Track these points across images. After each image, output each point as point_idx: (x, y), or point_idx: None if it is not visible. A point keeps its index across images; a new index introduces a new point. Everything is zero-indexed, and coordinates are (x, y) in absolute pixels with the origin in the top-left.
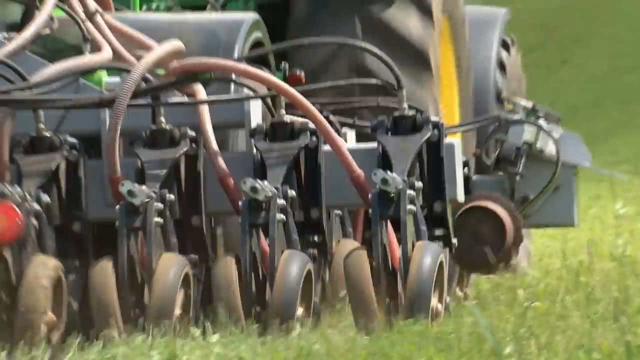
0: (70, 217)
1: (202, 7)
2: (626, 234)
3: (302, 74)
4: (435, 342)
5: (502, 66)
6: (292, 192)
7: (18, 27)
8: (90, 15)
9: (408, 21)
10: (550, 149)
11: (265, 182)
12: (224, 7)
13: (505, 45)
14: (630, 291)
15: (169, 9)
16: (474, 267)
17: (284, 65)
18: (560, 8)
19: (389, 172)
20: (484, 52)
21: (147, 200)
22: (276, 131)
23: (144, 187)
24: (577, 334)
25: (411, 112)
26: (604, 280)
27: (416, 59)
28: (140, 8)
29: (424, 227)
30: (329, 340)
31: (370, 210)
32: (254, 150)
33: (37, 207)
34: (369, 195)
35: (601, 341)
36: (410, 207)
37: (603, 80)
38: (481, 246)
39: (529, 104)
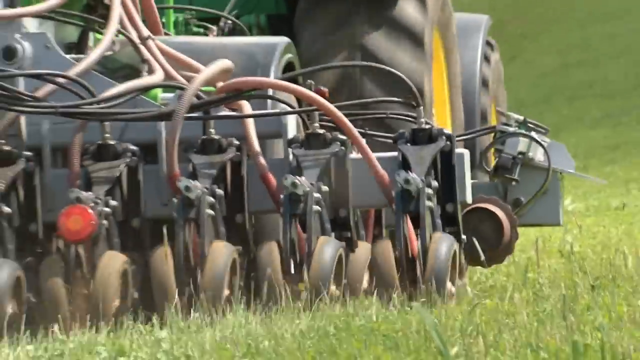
0: (131, 214)
1: (216, 19)
2: (575, 230)
3: (327, 90)
4: (383, 341)
5: (484, 80)
6: (325, 187)
7: (75, 46)
8: (143, 40)
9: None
10: (539, 157)
11: (303, 178)
12: (237, 19)
13: (489, 47)
14: (578, 289)
15: (187, 24)
16: (475, 260)
17: (310, 82)
18: (511, 3)
19: (410, 173)
20: (470, 55)
21: (201, 194)
22: (311, 141)
23: (195, 182)
24: (524, 332)
25: (427, 126)
26: (553, 277)
27: (413, 42)
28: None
29: (439, 221)
30: (277, 338)
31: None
32: (291, 156)
33: (106, 209)
34: (393, 194)
35: (548, 340)
36: (428, 203)
37: (552, 76)
38: (482, 242)
39: (521, 118)
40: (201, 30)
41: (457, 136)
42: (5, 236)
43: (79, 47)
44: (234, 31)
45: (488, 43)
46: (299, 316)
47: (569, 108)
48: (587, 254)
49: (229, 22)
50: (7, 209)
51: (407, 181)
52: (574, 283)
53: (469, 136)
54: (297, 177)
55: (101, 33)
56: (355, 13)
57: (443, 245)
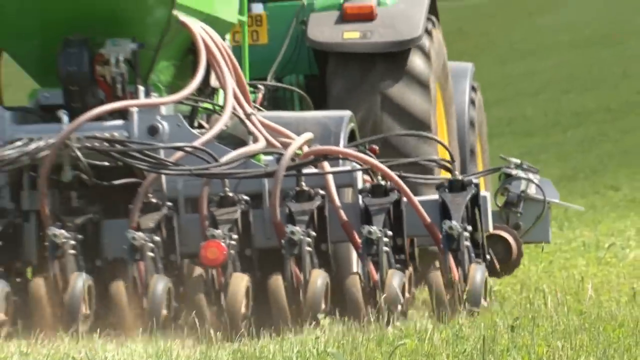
0: (245, 246)
1: (263, 79)
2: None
3: (377, 148)
4: None
5: (471, 121)
6: (389, 232)
7: (188, 118)
8: (248, 116)
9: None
10: (533, 191)
11: (374, 227)
12: (279, 80)
13: (474, 90)
14: (498, 329)
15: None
16: (492, 271)
17: (367, 146)
18: None
19: (453, 222)
20: (460, 99)
21: (302, 237)
22: (375, 191)
23: (298, 227)
24: None
25: (460, 177)
26: (473, 317)
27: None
28: None
29: (472, 254)
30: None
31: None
32: (361, 202)
33: (232, 242)
34: (435, 229)
35: None
36: (466, 243)
37: None
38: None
39: (518, 161)
40: (252, 89)
41: (471, 175)
42: (156, 259)
43: (190, 118)
44: (277, 91)
45: (472, 87)
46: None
47: (489, 145)
48: (507, 293)
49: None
50: (157, 238)
51: (450, 227)
52: (494, 323)
53: (481, 175)
54: (372, 227)
55: (216, 112)
56: (372, 68)
57: (478, 272)
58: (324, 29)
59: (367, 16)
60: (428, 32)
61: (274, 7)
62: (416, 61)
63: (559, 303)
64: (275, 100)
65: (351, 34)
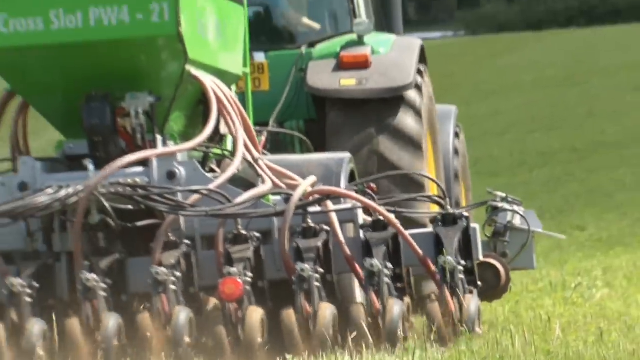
0: (257, 278)
1: (265, 124)
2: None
3: (375, 186)
4: None
5: (455, 150)
6: (390, 265)
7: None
8: (256, 160)
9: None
10: (518, 222)
11: (375, 260)
12: (281, 125)
13: (457, 134)
14: None
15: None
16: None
17: (364, 180)
18: None
19: (448, 257)
20: (446, 135)
21: (310, 274)
22: (375, 226)
23: (306, 265)
24: None
25: (452, 211)
26: (440, 357)
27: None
28: None
29: (467, 286)
30: None
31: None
32: (362, 236)
33: (247, 278)
34: (433, 268)
35: None
36: (460, 276)
37: None
38: (486, 285)
39: (503, 194)
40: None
41: (462, 208)
42: (178, 292)
43: (203, 163)
44: (278, 134)
45: (458, 126)
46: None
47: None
48: (474, 333)
49: (275, 125)
50: (178, 273)
51: (445, 262)
52: None
53: (469, 208)
54: (373, 260)
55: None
56: (368, 110)
57: (473, 303)
58: (322, 76)
59: (362, 64)
60: (421, 76)
61: (275, 55)
62: (407, 120)
63: (526, 343)
64: (277, 143)
65: (348, 81)
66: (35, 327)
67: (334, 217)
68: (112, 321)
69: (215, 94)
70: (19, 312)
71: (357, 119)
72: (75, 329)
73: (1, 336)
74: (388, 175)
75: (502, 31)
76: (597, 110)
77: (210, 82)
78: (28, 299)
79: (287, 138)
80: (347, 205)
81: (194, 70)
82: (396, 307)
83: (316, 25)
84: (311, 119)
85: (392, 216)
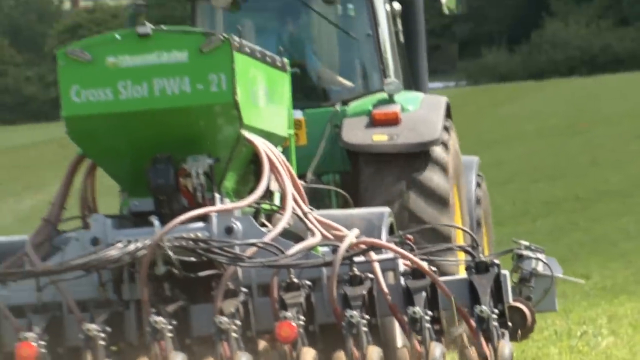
0: (308, 322)
1: (303, 176)
2: None
3: (412, 237)
4: None
5: (477, 199)
6: (430, 312)
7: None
8: (305, 214)
9: (434, 177)
10: (541, 268)
11: (417, 308)
12: (319, 177)
13: (478, 183)
14: None
15: None
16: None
17: (402, 233)
18: None
19: (483, 306)
20: (469, 185)
21: (359, 320)
22: (415, 273)
23: (354, 311)
24: None
25: (484, 258)
26: None
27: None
28: None
29: (500, 330)
30: None
31: None
32: (402, 283)
33: (300, 322)
34: (465, 313)
35: None
36: (494, 323)
37: None
38: (515, 326)
39: (527, 243)
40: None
41: (491, 255)
42: (238, 338)
43: (255, 218)
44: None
45: (479, 175)
46: None
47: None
48: None
49: (313, 178)
50: (238, 321)
51: (481, 311)
52: None
53: (497, 255)
54: (415, 308)
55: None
56: (399, 164)
57: (506, 348)
58: (355, 132)
59: (393, 121)
60: (447, 132)
61: (311, 112)
62: (434, 178)
63: None
64: (314, 194)
65: (379, 137)
66: None
67: (377, 266)
68: (179, 359)
69: (267, 155)
70: (94, 354)
71: (388, 174)
72: None
73: None
74: (422, 229)
75: (504, 81)
76: (600, 158)
77: (262, 144)
78: (102, 342)
79: (324, 190)
80: (389, 255)
81: (247, 134)
82: (437, 350)
83: (349, 84)
84: (346, 171)
85: (426, 266)
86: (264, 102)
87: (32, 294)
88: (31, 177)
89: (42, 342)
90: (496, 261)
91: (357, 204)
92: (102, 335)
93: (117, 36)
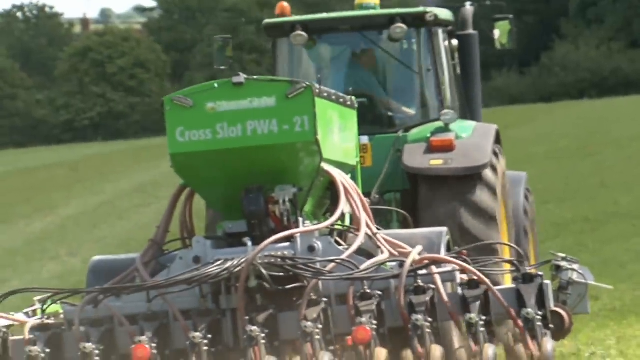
0: (380, 326)
1: (368, 194)
2: None
3: (465, 252)
4: None
5: (525, 210)
6: (483, 317)
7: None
8: (374, 234)
9: (484, 197)
10: (575, 276)
11: (473, 314)
12: (382, 195)
13: (526, 196)
14: None
15: None
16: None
17: (459, 249)
18: None
19: (529, 309)
20: (518, 197)
21: (423, 323)
22: (470, 284)
23: (419, 315)
24: None
25: (529, 269)
26: None
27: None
28: None
29: (543, 330)
30: None
31: None
32: (460, 292)
33: (372, 326)
34: (515, 315)
35: None
36: (538, 324)
37: None
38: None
39: (563, 255)
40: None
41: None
42: (320, 340)
43: (330, 235)
44: (379, 204)
45: (527, 189)
46: None
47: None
48: None
49: (377, 196)
50: (319, 327)
51: (527, 313)
52: None
53: (537, 266)
54: (472, 315)
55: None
56: (453, 186)
57: (549, 344)
58: (415, 157)
59: (448, 148)
60: (496, 157)
61: (377, 138)
62: (483, 197)
63: None
64: (378, 211)
65: (436, 162)
66: None
67: (437, 278)
68: None
69: (342, 184)
70: (199, 358)
71: (443, 194)
72: None
73: None
74: (477, 246)
75: (514, 103)
76: (610, 181)
77: (338, 175)
78: (205, 348)
79: (386, 206)
80: (448, 268)
81: (326, 166)
82: (490, 350)
83: (411, 113)
84: (406, 190)
85: (482, 275)
86: (338, 137)
87: (142, 304)
88: (42, 200)
89: (153, 345)
90: (540, 273)
91: (415, 220)
92: (205, 341)
93: (215, 85)
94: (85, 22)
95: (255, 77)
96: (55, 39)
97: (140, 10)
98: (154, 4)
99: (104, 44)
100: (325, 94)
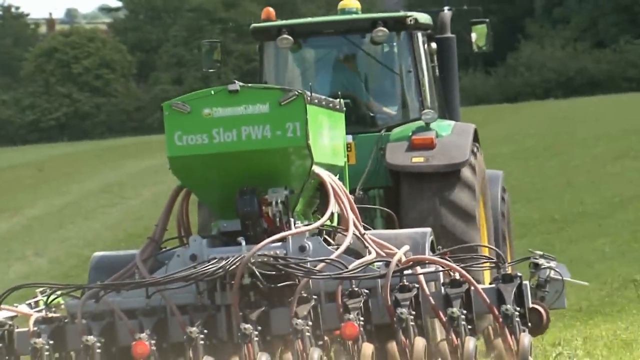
0: (366, 323)
1: (353, 190)
2: None
3: (448, 251)
4: None
5: (502, 213)
6: (464, 311)
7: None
8: (362, 235)
9: (463, 196)
10: (552, 273)
11: (455, 309)
12: (366, 191)
13: (503, 198)
14: None
15: None
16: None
17: (443, 251)
18: None
19: (508, 305)
20: (494, 197)
21: (407, 316)
22: (453, 283)
23: (404, 309)
24: None
25: (508, 265)
26: None
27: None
28: None
29: (523, 327)
30: None
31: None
32: (443, 291)
33: (360, 322)
34: (497, 312)
35: None
36: (517, 319)
37: None
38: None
39: (541, 252)
40: None
41: (510, 263)
42: (310, 337)
43: (319, 234)
44: (363, 200)
45: (503, 188)
46: None
47: None
48: None
49: (361, 192)
50: (309, 323)
51: (506, 309)
52: None
53: (515, 263)
54: (454, 309)
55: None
56: (434, 181)
57: (526, 339)
58: (397, 155)
59: (428, 145)
60: (474, 155)
61: (360, 137)
62: (463, 196)
63: None
64: (363, 209)
65: (417, 159)
66: None
67: (422, 277)
68: (264, 358)
69: (331, 185)
70: (195, 352)
71: (424, 190)
72: None
73: None
74: (461, 248)
75: (480, 103)
76: (576, 181)
77: (327, 177)
78: (201, 342)
79: (370, 202)
80: (432, 269)
81: (316, 169)
82: (471, 343)
83: (392, 113)
84: (388, 186)
85: (466, 273)
86: (327, 140)
87: (141, 299)
88: (7, 200)
89: (152, 342)
90: (519, 273)
91: (398, 215)
92: (201, 335)
93: (212, 92)
94: (50, 22)
95: (249, 84)
96: (21, 39)
97: (106, 10)
98: (119, 4)
99: (70, 44)
100: (316, 100)
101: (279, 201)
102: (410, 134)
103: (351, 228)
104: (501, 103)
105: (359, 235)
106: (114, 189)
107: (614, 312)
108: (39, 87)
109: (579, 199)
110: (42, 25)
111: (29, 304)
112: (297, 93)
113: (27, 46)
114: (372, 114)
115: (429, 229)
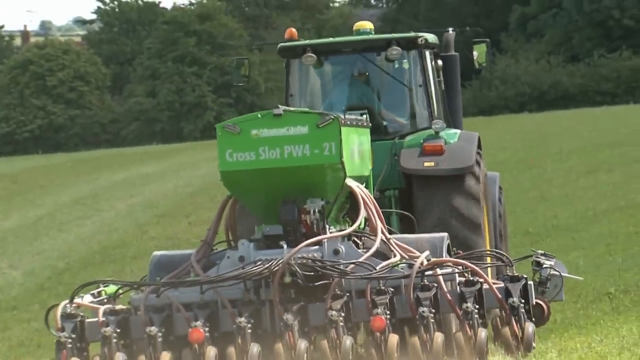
0: (392, 317)
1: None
2: None
3: (460, 252)
4: None
5: (500, 214)
6: (477, 307)
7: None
8: (388, 239)
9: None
10: (553, 271)
11: (469, 304)
12: (382, 192)
13: (500, 199)
14: None
15: None
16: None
17: (455, 250)
18: None
19: (514, 298)
20: (492, 197)
21: (428, 314)
22: (467, 283)
23: (425, 308)
24: None
25: (517, 273)
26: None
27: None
28: None
29: (526, 316)
30: None
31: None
32: (458, 290)
33: (387, 316)
34: (506, 306)
35: None
36: (522, 310)
37: None
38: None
39: (542, 251)
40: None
41: (515, 260)
42: (343, 326)
43: (349, 238)
44: (380, 198)
45: (500, 188)
46: None
47: None
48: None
49: (378, 193)
50: (343, 314)
51: (513, 302)
52: None
53: (518, 261)
54: (468, 304)
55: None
56: (443, 185)
57: (530, 328)
58: (410, 160)
59: (438, 152)
60: (477, 162)
61: (376, 144)
62: (471, 183)
63: None
64: (381, 206)
65: (428, 163)
66: (254, 349)
67: (441, 279)
68: (303, 345)
69: (361, 196)
70: (243, 340)
71: (435, 191)
72: (279, 350)
73: (234, 357)
74: (472, 253)
75: None
76: (550, 194)
77: (357, 188)
78: (249, 331)
79: (388, 203)
80: (448, 270)
81: (348, 182)
82: (483, 333)
83: (404, 122)
84: (402, 187)
85: (481, 272)
86: (357, 155)
87: (196, 294)
88: None
89: (206, 329)
90: (524, 275)
91: (412, 212)
92: (249, 325)
93: (259, 115)
94: (25, 34)
95: (292, 109)
96: None
97: (81, 22)
98: (93, 17)
99: (44, 57)
100: (349, 122)
101: (316, 210)
102: (421, 141)
103: (379, 234)
104: (476, 116)
105: (385, 239)
106: (88, 201)
107: (588, 325)
108: (13, 100)
109: (553, 212)
110: (17, 37)
111: (92, 294)
112: (332, 117)
113: (1, 58)
114: (385, 123)
115: (445, 234)
